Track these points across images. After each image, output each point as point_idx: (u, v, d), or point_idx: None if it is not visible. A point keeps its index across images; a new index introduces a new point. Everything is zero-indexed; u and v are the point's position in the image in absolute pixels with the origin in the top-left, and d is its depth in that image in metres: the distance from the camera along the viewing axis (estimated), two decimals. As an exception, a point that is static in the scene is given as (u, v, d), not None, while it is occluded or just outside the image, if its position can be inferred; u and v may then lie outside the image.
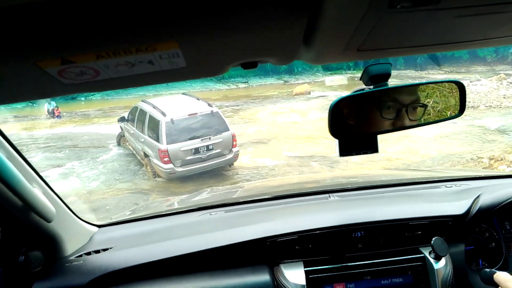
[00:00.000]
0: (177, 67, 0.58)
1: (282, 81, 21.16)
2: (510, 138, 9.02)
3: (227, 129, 7.70)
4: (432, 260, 1.23)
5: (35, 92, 0.65)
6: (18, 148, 1.09)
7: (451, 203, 1.40)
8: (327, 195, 1.62)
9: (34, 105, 15.88)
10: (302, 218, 1.37)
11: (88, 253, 1.32)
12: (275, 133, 10.50)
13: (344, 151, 1.02)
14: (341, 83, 18.16)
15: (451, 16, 0.51)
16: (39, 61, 0.49)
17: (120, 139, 9.98)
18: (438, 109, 1.04)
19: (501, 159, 6.79)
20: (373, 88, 0.93)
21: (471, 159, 7.38)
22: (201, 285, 1.23)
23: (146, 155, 7.90)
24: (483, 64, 22.07)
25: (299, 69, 22.14)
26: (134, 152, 8.88)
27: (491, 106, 12.03)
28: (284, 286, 1.20)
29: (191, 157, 7.34)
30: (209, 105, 8.13)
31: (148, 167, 7.95)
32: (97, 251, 1.33)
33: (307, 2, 0.47)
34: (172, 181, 7.48)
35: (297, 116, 12.17)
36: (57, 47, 0.47)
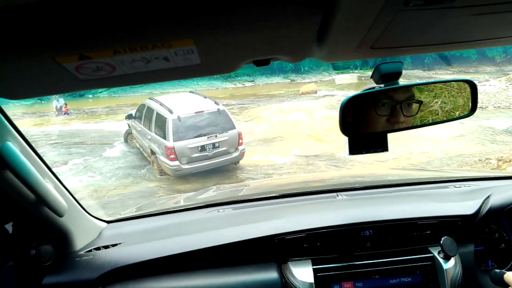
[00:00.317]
0: (191, 64, 0.59)
1: (289, 80, 21.11)
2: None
3: (233, 127, 7.73)
4: (441, 260, 1.22)
5: (52, 88, 0.66)
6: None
7: (461, 203, 1.39)
8: (334, 194, 1.61)
9: (43, 101, 16.04)
10: (310, 216, 1.37)
11: (98, 248, 1.34)
12: (282, 131, 10.49)
13: (354, 149, 1.02)
14: (350, 82, 18.10)
15: (466, 14, 0.51)
16: (58, 56, 0.50)
17: (128, 136, 10.04)
18: (446, 109, 1.04)
19: (510, 161, 6.72)
20: (384, 86, 0.93)
21: (479, 160, 7.31)
22: (209, 282, 1.23)
23: (153, 152, 7.95)
24: (492, 64, 21.83)
25: (306, 68, 22.08)
26: (141, 149, 8.93)
27: (499, 106, 11.90)
28: (292, 283, 1.21)
29: (197, 155, 7.37)
30: (216, 103, 8.17)
31: (155, 165, 8.00)
32: (107, 247, 1.35)
33: (320, 2, 0.47)
34: (179, 179, 7.51)
35: (303, 115, 12.15)
36: (76, 42, 0.48)
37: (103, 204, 6.58)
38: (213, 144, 7.49)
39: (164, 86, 18.78)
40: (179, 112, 7.60)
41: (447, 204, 1.40)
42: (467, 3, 0.47)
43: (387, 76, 0.92)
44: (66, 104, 14.76)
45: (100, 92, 18.84)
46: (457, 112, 1.03)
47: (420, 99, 1.00)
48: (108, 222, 1.55)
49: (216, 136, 7.50)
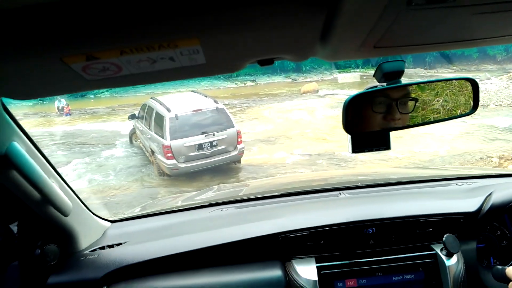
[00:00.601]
0: (197, 64, 0.60)
1: (290, 79, 21.12)
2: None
3: (232, 126, 7.64)
4: (443, 257, 1.23)
5: (58, 88, 0.67)
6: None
7: (463, 201, 1.40)
8: (337, 192, 1.62)
9: (44, 102, 16.09)
10: (314, 215, 1.38)
11: (102, 248, 1.35)
12: (284, 131, 10.49)
13: (357, 147, 1.03)
14: (353, 81, 18.10)
15: (468, 13, 0.51)
16: (66, 56, 0.51)
17: (132, 136, 10.04)
18: (447, 107, 1.05)
19: (511, 158, 6.71)
20: (387, 85, 0.94)
21: (481, 158, 7.30)
22: (214, 280, 1.24)
23: (153, 152, 7.93)
24: (493, 62, 21.79)
25: (307, 67, 22.07)
26: (144, 149, 8.93)
27: (501, 104, 11.88)
28: (296, 281, 1.21)
29: (194, 153, 7.30)
30: (215, 101, 8.10)
31: (155, 164, 7.97)
32: (111, 246, 1.36)
33: (324, 2, 0.48)
34: (180, 178, 7.49)
35: (306, 114, 12.15)
36: (83, 43, 0.49)
37: (105, 204, 6.60)
38: (211, 142, 7.40)
39: (166, 85, 18.81)
40: (176, 110, 7.54)
41: (449, 202, 1.41)
42: (469, 2, 0.48)
43: (390, 75, 0.92)
44: (67, 105, 14.80)
45: (102, 93, 18.89)
46: (459, 111, 1.03)
47: (421, 97, 1.01)
48: (112, 221, 1.56)
49: (214, 134, 7.42)
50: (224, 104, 8.47)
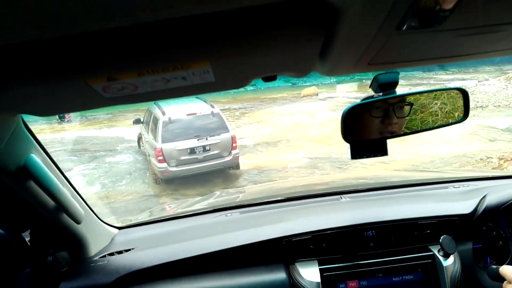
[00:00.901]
0: (206, 81, 0.65)
1: (290, 84, 21.12)
2: (519, 137, 8.95)
3: (226, 131, 7.52)
4: (441, 258, 1.27)
5: (80, 105, 0.72)
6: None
7: (459, 203, 1.44)
8: (338, 196, 1.66)
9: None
10: (316, 219, 1.42)
11: (112, 254, 1.38)
12: (285, 134, 10.49)
13: (356, 154, 1.07)
14: (351, 90, 18.10)
15: (453, 36, 0.56)
16: (89, 79, 0.56)
17: (139, 141, 9.97)
18: (446, 110, 1.09)
19: (511, 159, 6.74)
20: (382, 95, 0.99)
21: (481, 159, 7.33)
22: (220, 284, 1.28)
23: (149, 156, 7.89)
24: (491, 64, 21.79)
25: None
26: (147, 154, 8.96)
27: (499, 105, 11.91)
28: (299, 283, 1.25)
29: (186, 157, 7.20)
30: (212, 106, 8.02)
31: (151, 169, 7.92)
32: (120, 252, 1.39)
33: (323, 24, 0.53)
34: (181, 183, 7.44)
35: (306, 118, 12.16)
36: (107, 67, 0.54)
37: (108, 211, 6.61)
38: (204, 147, 7.30)
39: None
40: (171, 113, 7.48)
41: (446, 204, 1.45)
42: (453, 26, 0.53)
43: (385, 86, 0.97)
44: (68, 111, 14.75)
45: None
46: (451, 119, 1.08)
47: (419, 100, 1.06)
48: (119, 228, 1.59)
49: (206, 138, 7.31)
50: (225, 109, 8.44)
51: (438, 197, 1.56)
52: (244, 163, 8.42)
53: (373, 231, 1.33)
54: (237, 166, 8.01)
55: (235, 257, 1.34)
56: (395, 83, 0.98)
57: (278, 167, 8.21)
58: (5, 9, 0.37)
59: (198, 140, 7.29)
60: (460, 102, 1.09)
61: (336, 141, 8.95)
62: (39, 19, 0.40)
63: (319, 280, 1.25)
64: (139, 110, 10.63)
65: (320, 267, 1.28)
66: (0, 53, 0.48)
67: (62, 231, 1.20)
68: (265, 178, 7.69)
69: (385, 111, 1.02)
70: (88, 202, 1.39)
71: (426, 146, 8.44)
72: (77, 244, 1.30)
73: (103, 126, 13.80)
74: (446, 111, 1.09)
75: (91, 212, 1.40)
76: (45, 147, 1.10)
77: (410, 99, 1.05)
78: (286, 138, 10.12)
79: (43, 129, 13.64)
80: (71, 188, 1.25)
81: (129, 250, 1.40)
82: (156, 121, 7.57)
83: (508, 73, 16.43)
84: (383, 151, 1.08)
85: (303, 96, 16.37)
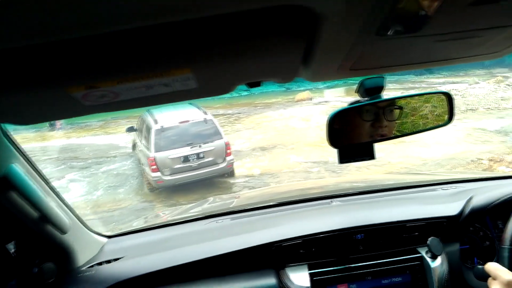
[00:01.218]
0: (189, 88, 0.65)
1: (284, 88, 21.20)
2: (508, 139, 9.05)
3: (220, 137, 7.45)
4: (428, 259, 1.29)
5: (60, 114, 0.72)
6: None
7: (446, 205, 1.45)
8: (329, 200, 1.66)
9: (36, 117, 15.87)
10: (306, 223, 1.42)
11: (100, 263, 1.36)
12: (280, 139, 10.49)
13: (344, 159, 1.08)
14: (338, 95, 18.22)
15: (432, 41, 0.57)
16: (68, 87, 0.56)
17: (134, 146, 9.88)
18: (436, 113, 1.10)
19: (500, 160, 6.82)
20: (368, 100, 1.00)
21: (472, 161, 7.41)
22: None
23: (142, 164, 7.82)
24: (480, 67, 22.11)
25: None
26: (140, 162, 8.89)
27: (489, 108, 12.06)
28: None
29: (180, 166, 7.12)
30: (205, 112, 7.97)
31: (144, 177, 7.84)
32: (108, 261, 1.37)
33: (304, 30, 0.54)
34: (174, 190, 7.39)
35: (301, 122, 12.19)
36: (86, 75, 0.54)
37: (100, 220, 6.54)
38: (197, 154, 7.21)
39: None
40: (163, 122, 7.43)
41: (433, 207, 1.46)
42: (432, 32, 0.53)
43: (371, 90, 0.98)
44: (59, 119, 14.61)
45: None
46: (440, 122, 1.09)
47: (410, 104, 1.07)
48: (108, 237, 1.57)
49: (200, 146, 7.23)
50: (219, 114, 8.41)
51: (427, 199, 1.57)
52: (239, 168, 8.38)
53: (363, 234, 1.34)
54: (231, 173, 7.95)
55: (225, 263, 1.33)
56: (380, 88, 0.98)
57: (273, 172, 8.19)
58: None
59: (191, 147, 7.21)
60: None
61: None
62: (15, 28, 0.40)
63: (309, 284, 1.25)
64: (131, 116, 10.57)
65: (310, 271, 1.28)
66: None
67: (47, 241, 1.19)
68: (260, 183, 7.66)
69: (375, 115, 1.03)
70: (76, 212, 1.37)
71: (418, 149, 8.51)
72: (64, 254, 1.28)
73: (96, 133, 13.69)
74: (436, 114, 1.10)
75: (79, 221, 1.38)
76: (28, 156, 1.09)
77: (401, 102, 1.06)
78: (282, 143, 10.12)
79: (34, 137, 13.51)
80: (57, 198, 1.23)
81: (117, 259, 1.38)
82: (148, 129, 7.50)
83: (498, 76, 16.68)
84: (370, 155, 1.08)
85: (297, 101, 16.43)
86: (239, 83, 0.70)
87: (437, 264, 1.28)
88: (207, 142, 7.33)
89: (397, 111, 1.06)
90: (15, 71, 0.51)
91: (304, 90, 18.55)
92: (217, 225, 1.58)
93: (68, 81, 0.54)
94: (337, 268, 1.29)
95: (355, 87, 1.01)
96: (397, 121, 1.06)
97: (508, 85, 14.68)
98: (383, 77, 0.98)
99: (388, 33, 0.51)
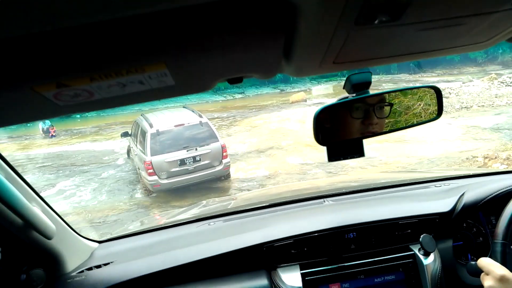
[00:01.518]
0: (166, 85, 0.63)
1: (278, 90, 21.28)
2: (503, 136, 9.11)
3: (216, 140, 7.49)
4: (421, 257, 1.28)
5: (32, 115, 0.69)
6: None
7: (438, 202, 1.45)
8: (322, 200, 1.65)
9: (29, 125, 15.83)
10: (297, 223, 1.41)
11: (90, 269, 1.34)
12: (276, 141, 10.49)
13: (333, 156, 1.06)
14: (326, 92, 18.28)
15: (413, 30, 0.55)
16: (36, 86, 0.53)
17: (128, 152, 9.90)
18: (429, 111, 1.09)
19: (495, 157, 6.85)
20: (356, 95, 0.98)
21: (466, 158, 7.43)
22: None
23: (139, 169, 7.83)
24: (474, 65, 22.33)
25: (294, 78, 22.24)
26: (136, 167, 8.87)
27: (483, 105, 12.14)
28: None
29: (176, 169, 7.15)
30: (200, 115, 8.00)
31: (141, 181, 7.85)
32: (98, 266, 1.35)
33: (282, 24, 0.52)
34: (171, 195, 7.40)
35: (296, 124, 12.19)
36: (53, 72, 0.51)
37: (94, 225, 6.49)
38: (194, 157, 7.25)
39: (153, 102, 18.71)
40: (158, 126, 7.45)
41: (425, 204, 1.45)
42: (412, 20, 0.52)
43: (358, 86, 0.97)
44: (52, 126, 14.51)
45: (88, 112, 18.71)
46: (426, 117, 1.08)
47: (404, 102, 1.06)
48: (99, 242, 1.55)
49: (196, 149, 7.27)
50: (214, 117, 8.42)
51: (419, 196, 1.56)
52: (238, 172, 8.37)
53: (354, 233, 1.33)
54: (227, 175, 7.97)
55: (216, 265, 1.32)
56: (368, 83, 0.97)
57: (270, 174, 8.19)
58: None
59: (187, 151, 7.24)
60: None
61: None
62: None
63: (300, 284, 1.24)
64: (126, 122, 10.53)
65: (302, 271, 1.27)
66: None
67: (33, 247, 1.17)
68: (256, 186, 7.66)
69: (365, 112, 1.01)
70: (63, 217, 1.35)
71: (414, 148, 8.54)
72: (52, 260, 1.26)
73: (89, 140, 13.63)
74: (430, 112, 1.09)
75: (67, 226, 1.36)
76: (9, 162, 1.07)
77: (392, 99, 1.05)
78: (278, 145, 10.13)
79: (27, 144, 13.44)
80: (42, 203, 1.21)
81: (108, 264, 1.36)
82: (144, 133, 7.51)
83: (491, 73, 16.82)
84: (360, 152, 1.07)
85: (292, 103, 16.47)
86: (219, 80, 0.68)
87: (430, 261, 1.27)
88: (203, 145, 7.36)
89: (387, 108, 1.05)
90: None
91: (298, 91, 18.62)
92: (209, 228, 1.56)
93: (36, 79, 0.52)
94: (329, 267, 1.28)
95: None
96: (390, 119, 1.05)
97: (502, 82, 14.78)
98: (370, 72, 0.97)
99: (368, 21, 0.50)
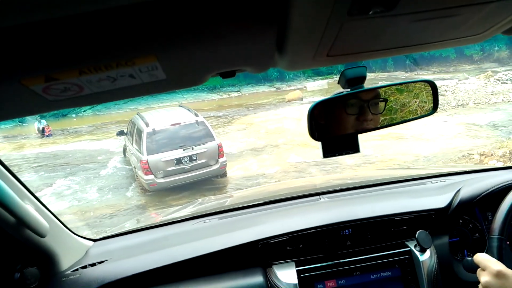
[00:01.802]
0: (157, 79, 0.61)
1: (274, 88, 21.28)
2: (499, 133, 9.15)
3: (212, 139, 7.50)
4: (417, 253, 1.27)
5: (21, 110, 0.68)
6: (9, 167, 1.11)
7: (434, 197, 1.44)
8: (317, 197, 1.65)
9: (24, 124, 15.77)
10: (293, 220, 1.40)
11: (84, 267, 1.33)
12: (272, 139, 10.49)
13: (328, 152, 1.06)
14: (321, 88, 18.29)
15: (408, 21, 0.55)
16: (24, 79, 0.52)
17: (124, 151, 9.88)
18: (425, 108, 1.09)
19: (491, 155, 6.88)
20: (350, 90, 0.97)
21: (463, 156, 7.46)
22: None
23: (135, 168, 7.82)
24: (470, 62, 22.43)
25: (291, 75, 22.26)
26: (132, 166, 8.86)
27: (479, 103, 12.20)
28: (277, 286, 1.23)
29: (173, 168, 7.15)
30: (196, 114, 8.00)
31: (138, 180, 7.85)
32: (93, 264, 1.34)
33: (274, 15, 0.51)
34: (167, 193, 7.39)
35: (292, 122, 12.20)
36: (41, 65, 0.50)
37: (90, 224, 6.48)
38: (190, 156, 7.24)
39: (149, 101, 18.72)
40: (155, 125, 7.44)
41: (421, 200, 1.45)
42: (406, 11, 0.51)
43: (353, 81, 0.96)
44: (48, 125, 14.44)
45: (83, 111, 18.65)
46: (421, 112, 1.08)
47: (399, 99, 1.05)
48: (94, 240, 1.55)
49: (192, 148, 7.27)
50: (210, 116, 8.42)
51: (415, 193, 1.56)
52: (232, 170, 8.36)
53: (350, 230, 1.32)
54: (224, 174, 7.98)
55: (211, 263, 1.31)
56: (363, 78, 0.96)
57: (266, 173, 8.19)
58: None
59: (184, 150, 7.24)
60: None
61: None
62: None
63: (296, 281, 1.23)
64: (122, 121, 10.49)
65: (297, 268, 1.26)
66: None
67: (27, 246, 1.15)
68: (252, 184, 7.65)
69: (360, 109, 1.01)
70: (58, 216, 1.34)
71: (410, 146, 8.57)
72: (46, 258, 1.25)
73: (85, 139, 13.57)
74: (426, 109, 1.09)
75: (61, 225, 1.35)
76: (1, 159, 1.05)
77: (390, 98, 1.04)
78: (274, 144, 10.13)
79: (23, 144, 13.37)
80: (36, 201, 1.20)
81: (102, 262, 1.36)
82: (140, 132, 7.49)
83: (487, 71, 16.89)
84: (355, 148, 1.06)
85: (288, 101, 16.48)
86: (211, 73, 0.67)
87: (426, 257, 1.27)
88: (200, 144, 7.36)
89: (382, 104, 1.04)
90: None
91: (294, 90, 18.64)
92: (205, 225, 1.56)
93: (23, 72, 0.51)
94: (325, 264, 1.27)
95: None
96: (386, 116, 1.04)
97: (498, 80, 14.85)
98: (365, 67, 0.96)
99: (361, 12, 0.49)
